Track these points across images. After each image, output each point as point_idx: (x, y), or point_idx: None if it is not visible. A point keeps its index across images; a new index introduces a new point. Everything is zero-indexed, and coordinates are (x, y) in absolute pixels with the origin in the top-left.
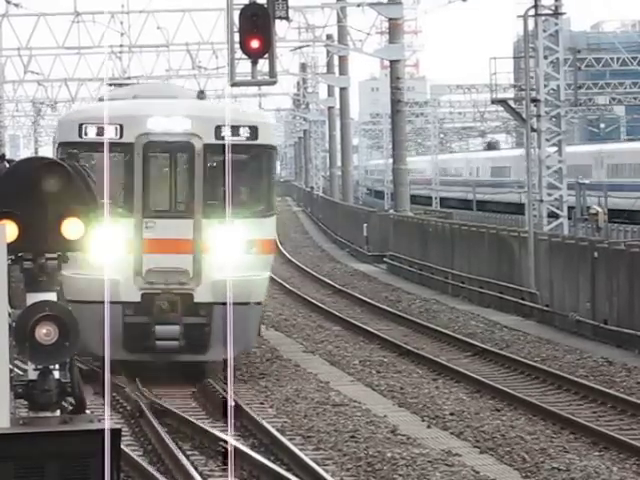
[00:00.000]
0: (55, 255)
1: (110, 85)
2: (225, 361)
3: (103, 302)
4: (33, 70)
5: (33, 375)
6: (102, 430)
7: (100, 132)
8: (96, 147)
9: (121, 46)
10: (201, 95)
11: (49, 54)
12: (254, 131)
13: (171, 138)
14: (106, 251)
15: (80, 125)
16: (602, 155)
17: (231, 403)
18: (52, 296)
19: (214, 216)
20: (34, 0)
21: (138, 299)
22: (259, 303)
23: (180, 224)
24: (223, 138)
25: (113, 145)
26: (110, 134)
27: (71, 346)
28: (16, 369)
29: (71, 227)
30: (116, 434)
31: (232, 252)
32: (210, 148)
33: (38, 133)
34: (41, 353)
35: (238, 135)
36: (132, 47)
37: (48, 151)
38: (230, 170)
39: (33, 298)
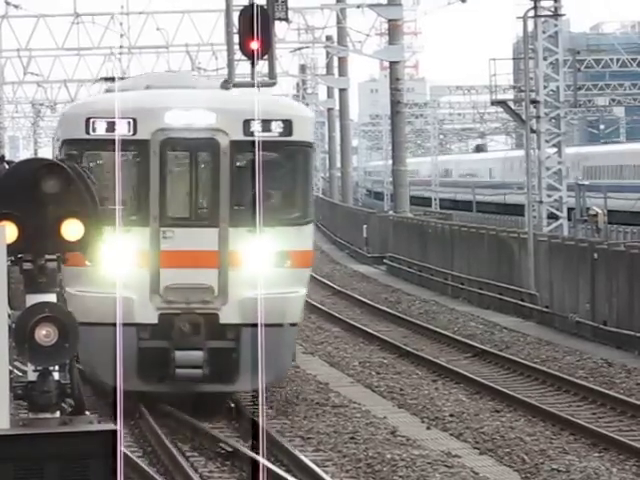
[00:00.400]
0: (55, 256)
1: (105, 80)
2: (254, 392)
3: (114, 324)
4: (32, 71)
5: (33, 376)
6: (102, 432)
7: (110, 128)
8: (106, 145)
9: (121, 47)
10: (226, 84)
11: (49, 55)
12: (288, 125)
13: (192, 134)
14: (117, 265)
15: (87, 120)
16: (578, 158)
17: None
18: (52, 297)
19: (242, 224)
20: (34, 1)
21: (155, 320)
22: (294, 324)
23: (203, 234)
24: (252, 134)
25: (125, 142)
26: (122, 130)
27: (71, 347)
28: (16, 370)
29: (71, 228)
30: (115, 436)
31: (263, 266)
32: (237, 145)
33: (37, 134)
34: (41, 354)
35: (270, 130)
36: (132, 48)
37: (47, 152)
38: (261, 171)
39: (33, 299)
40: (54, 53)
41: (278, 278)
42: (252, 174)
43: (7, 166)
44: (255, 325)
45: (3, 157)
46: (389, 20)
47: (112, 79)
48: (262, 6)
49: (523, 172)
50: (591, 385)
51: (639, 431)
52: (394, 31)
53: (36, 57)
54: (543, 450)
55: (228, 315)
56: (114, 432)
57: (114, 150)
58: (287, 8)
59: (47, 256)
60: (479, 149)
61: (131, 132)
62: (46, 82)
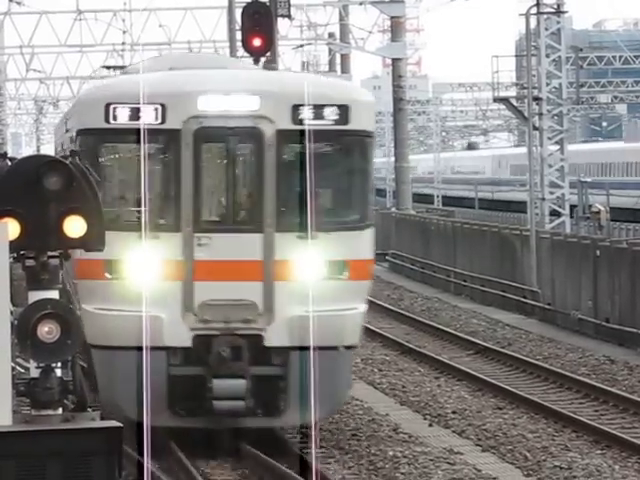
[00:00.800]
0: (57, 253)
1: (107, 69)
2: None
3: (140, 348)
4: (35, 68)
5: (35, 373)
6: (104, 428)
7: (134, 115)
8: (128, 136)
9: (123, 44)
10: (268, 64)
11: (51, 52)
12: (345, 112)
13: (232, 123)
14: (144, 278)
15: (107, 106)
16: (505, 157)
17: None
18: (54, 294)
19: (291, 229)
20: None
21: (188, 343)
22: (351, 347)
23: (245, 240)
24: (302, 122)
25: (152, 133)
26: (148, 118)
27: (73, 344)
28: (18, 367)
29: (73, 225)
30: (118, 432)
31: (316, 278)
32: (285, 136)
33: (40, 131)
34: (43, 351)
35: (322, 118)
36: (134, 45)
37: (50, 149)
38: (312, 166)
39: (35, 296)
40: (57, 50)
41: (333, 292)
42: (302, 169)
43: (9, 163)
44: (306, 348)
45: (5, 154)
46: (391, 17)
47: (114, 68)
48: (265, 3)
49: (510, 169)
50: (593, 382)
51: None
52: (396, 28)
53: (39, 54)
54: (545, 447)
55: (274, 336)
56: (117, 429)
57: (138, 142)
58: (289, 5)
59: (49, 253)
60: (471, 147)
61: (159, 120)
62: (49, 79)
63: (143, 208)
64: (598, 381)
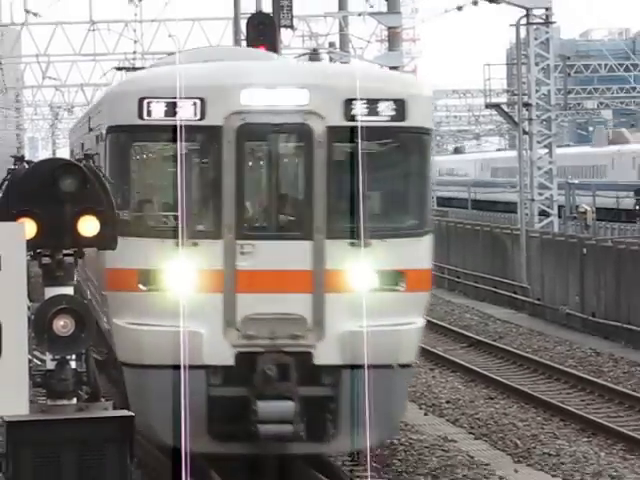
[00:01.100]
0: (72, 251)
1: (119, 70)
2: (355, 454)
3: (177, 367)
4: (51, 76)
5: (51, 365)
6: (116, 417)
7: (171, 111)
8: (164, 133)
9: (134, 53)
10: (315, 56)
11: (66, 61)
12: (401, 107)
13: (279, 119)
14: (181, 289)
15: (141, 100)
16: (488, 161)
17: None
18: (69, 290)
19: (343, 235)
20: (52, 9)
21: (230, 361)
22: (408, 365)
23: (292, 248)
24: (355, 118)
25: (191, 130)
26: (186, 113)
27: (87, 337)
28: (35, 359)
29: (87, 225)
30: (129, 421)
31: (370, 289)
32: (336, 133)
33: (56, 135)
34: (58, 344)
35: (377, 114)
36: (145, 54)
37: (65, 153)
38: (366, 166)
39: (51, 292)
40: (71, 59)
41: (389, 305)
42: (354, 170)
43: (27, 166)
44: (359, 367)
45: (23, 157)
46: (389, 27)
47: (126, 69)
48: (268, 14)
49: (491, 171)
50: (580, 373)
51: (626, 417)
52: (394, 38)
53: (54, 62)
54: (535, 435)
55: (325, 354)
56: (128, 418)
57: (175, 140)
58: (292, 16)
59: (65, 251)
60: (457, 151)
61: (198, 116)
62: (64, 86)
63: (180, 213)
64: (585, 372)
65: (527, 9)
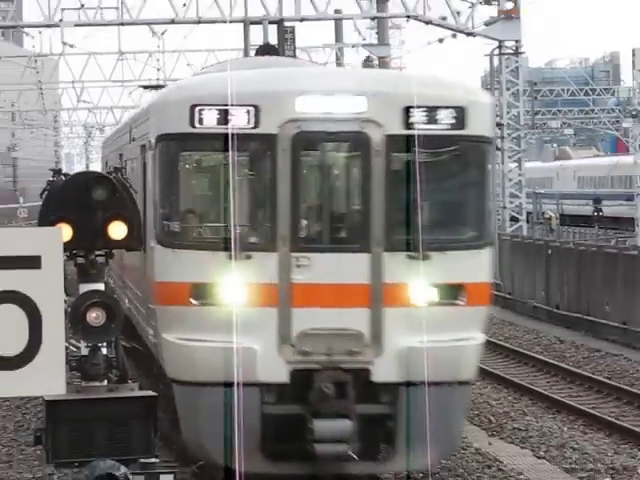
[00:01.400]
0: (103, 252)
1: (145, 88)
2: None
3: (230, 384)
4: (85, 99)
5: (85, 351)
6: (142, 397)
7: (223, 118)
8: (216, 142)
9: (157, 79)
10: (368, 62)
11: (98, 86)
12: (461, 115)
13: (335, 127)
14: (235, 304)
15: (192, 108)
16: None
17: None
18: (100, 286)
19: (402, 248)
20: (86, 41)
21: (285, 379)
22: (467, 383)
23: (350, 261)
24: (414, 126)
25: (244, 138)
26: (239, 121)
27: (116, 327)
28: (71, 347)
29: (116, 229)
30: (154, 400)
31: (430, 303)
32: (395, 142)
33: (89, 151)
34: (91, 333)
35: (436, 122)
36: (166, 80)
37: (97, 166)
38: (425, 176)
39: (85, 288)
40: (102, 84)
41: (449, 320)
42: (413, 180)
43: (64, 178)
44: (418, 384)
45: (60, 170)
46: (379, 57)
47: (151, 87)
48: (274, 45)
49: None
50: (546, 358)
51: (586, 396)
52: (383, 66)
53: (87, 88)
54: (506, 412)
55: (383, 371)
56: (152, 397)
57: (227, 149)
58: (295, 47)
59: (97, 252)
60: None
61: (251, 124)
62: (96, 108)
63: (233, 224)
64: (550, 357)
65: (499, 41)
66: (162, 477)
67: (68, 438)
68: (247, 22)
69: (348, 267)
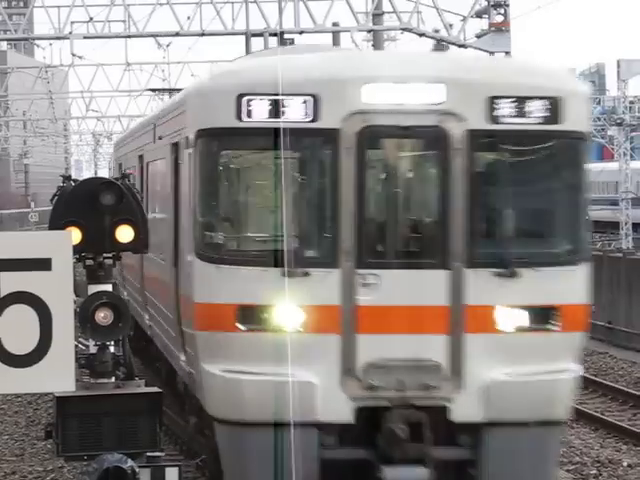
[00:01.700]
0: (111, 255)
1: (153, 91)
2: None
3: (284, 424)
4: (93, 109)
5: (93, 350)
6: (147, 393)
7: (274, 111)
8: (267, 138)
9: (163, 89)
10: (440, 46)
11: (106, 96)
12: (556, 107)
13: (408, 120)
14: (290, 329)
15: (239, 98)
16: None
17: None
18: (108, 287)
19: (487, 263)
20: (94, 53)
21: (349, 418)
22: (559, 422)
23: (426, 279)
24: (499, 120)
25: (300, 134)
26: (295, 114)
27: (123, 327)
28: (80, 345)
29: (123, 232)
30: (159, 396)
31: (519, 329)
32: (478, 138)
33: (97, 158)
34: (99, 332)
35: (526, 115)
36: (171, 91)
37: (105, 173)
38: (514, 179)
39: (93, 289)
40: (110, 94)
41: (541, 349)
42: (501, 184)
43: (73, 183)
44: (505, 425)
45: (70, 176)
46: None
47: (159, 90)
48: None
49: None
50: None
51: None
52: None
53: (96, 97)
54: None
55: (464, 409)
56: (158, 393)
57: (280, 147)
58: None
59: (105, 255)
60: None
61: (309, 117)
62: (104, 117)
63: (288, 236)
64: None
65: (490, 53)
66: (167, 470)
67: (77, 432)
68: (249, 34)
69: (423, 286)
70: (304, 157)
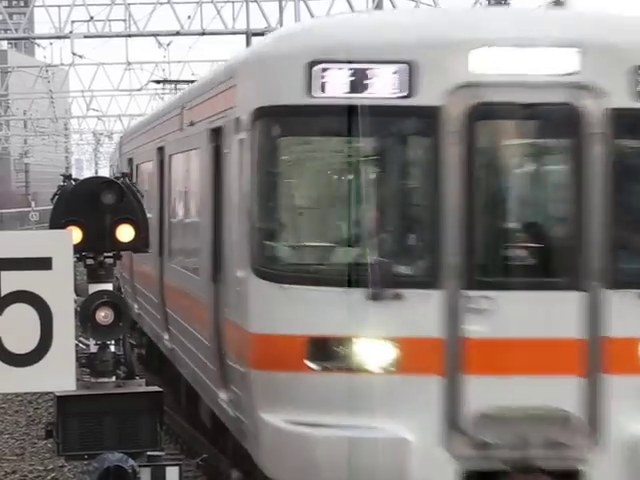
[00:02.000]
0: (111, 254)
1: (157, 83)
2: None
3: None
4: (94, 108)
5: (94, 349)
6: (148, 392)
7: (360, 83)
8: (347, 120)
9: (163, 89)
10: (559, 3)
11: (106, 95)
12: None
13: (531, 96)
14: (375, 369)
15: (311, 66)
16: None
17: None
18: (109, 286)
19: (635, 283)
20: (94, 52)
21: None
22: None
23: (554, 303)
24: None
25: (391, 114)
26: (384, 87)
27: (124, 326)
28: (80, 344)
29: (124, 232)
30: (160, 395)
31: None
32: (623, 119)
33: (98, 157)
34: (100, 331)
35: None
36: (172, 90)
37: (106, 172)
38: None
39: (94, 288)
40: (110, 93)
41: None
42: None
43: (74, 183)
44: None
45: (70, 175)
46: None
47: (163, 82)
48: None
49: None
50: None
51: None
52: None
53: (96, 96)
54: None
55: (605, 473)
56: (158, 393)
57: (364, 131)
58: None
59: (105, 254)
60: None
61: (403, 92)
62: (104, 116)
63: (374, 247)
64: None
65: None
66: (168, 469)
67: (78, 432)
68: (249, 33)
69: (550, 312)
70: (395, 145)
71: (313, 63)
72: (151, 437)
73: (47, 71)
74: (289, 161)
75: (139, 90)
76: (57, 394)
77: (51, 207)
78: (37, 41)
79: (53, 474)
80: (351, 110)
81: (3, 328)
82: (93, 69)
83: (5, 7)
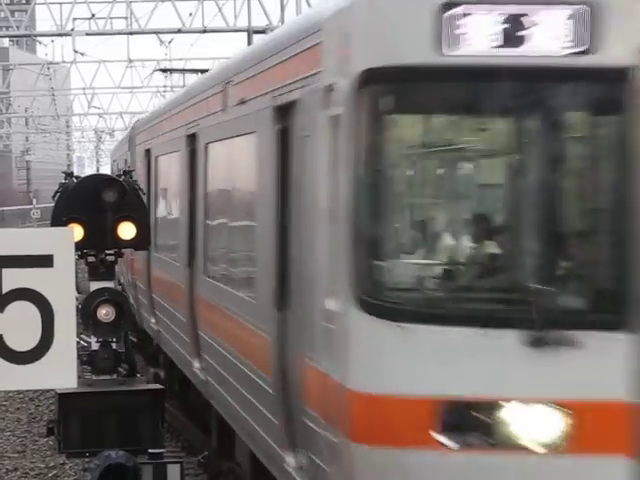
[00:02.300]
0: (113, 252)
1: (163, 72)
2: None
3: None
4: (95, 105)
5: (95, 346)
6: (149, 390)
7: (512, 35)
8: (493, 88)
9: (164, 86)
10: None
11: (108, 92)
12: None
13: None
14: (537, 446)
15: (443, 10)
16: None
17: None
18: (110, 284)
19: None
20: (96, 49)
21: None
22: None
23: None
24: None
25: (561, 79)
26: (550, 41)
27: (125, 323)
28: (82, 342)
29: (125, 229)
30: (161, 393)
31: None
32: None
33: (99, 155)
34: (102, 329)
35: None
36: (173, 87)
37: (107, 169)
38: None
39: (95, 285)
40: (112, 91)
41: None
42: None
43: (75, 180)
44: None
45: (72, 173)
46: None
47: (171, 71)
48: None
49: None
50: None
51: None
52: None
53: (98, 94)
54: None
55: None
56: (160, 390)
57: (518, 105)
58: None
59: (107, 251)
60: None
61: (580, 46)
62: (106, 114)
63: (535, 271)
64: None
65: None
66: (169, 467)
67: (79, 429)
68: (250, 31)
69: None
70: (568, 122)
71: (446, 6)
72: (152, 435)
73: (49, 68)
74: (412, 146)
75: (150, 74)
76: (58, 391)
77: (52, 205)
78: (39, 38)
79: (54, 471)
80: (501, 74)
81: (4, 326)
82: (94, 66)
83: (7, 4)
